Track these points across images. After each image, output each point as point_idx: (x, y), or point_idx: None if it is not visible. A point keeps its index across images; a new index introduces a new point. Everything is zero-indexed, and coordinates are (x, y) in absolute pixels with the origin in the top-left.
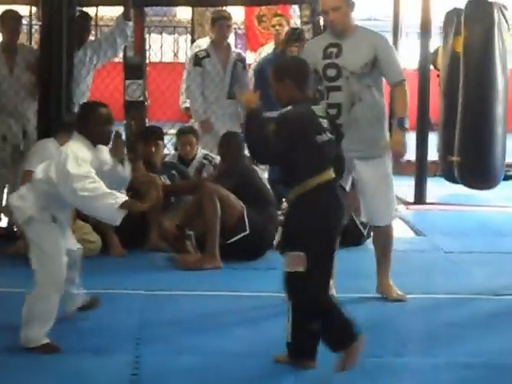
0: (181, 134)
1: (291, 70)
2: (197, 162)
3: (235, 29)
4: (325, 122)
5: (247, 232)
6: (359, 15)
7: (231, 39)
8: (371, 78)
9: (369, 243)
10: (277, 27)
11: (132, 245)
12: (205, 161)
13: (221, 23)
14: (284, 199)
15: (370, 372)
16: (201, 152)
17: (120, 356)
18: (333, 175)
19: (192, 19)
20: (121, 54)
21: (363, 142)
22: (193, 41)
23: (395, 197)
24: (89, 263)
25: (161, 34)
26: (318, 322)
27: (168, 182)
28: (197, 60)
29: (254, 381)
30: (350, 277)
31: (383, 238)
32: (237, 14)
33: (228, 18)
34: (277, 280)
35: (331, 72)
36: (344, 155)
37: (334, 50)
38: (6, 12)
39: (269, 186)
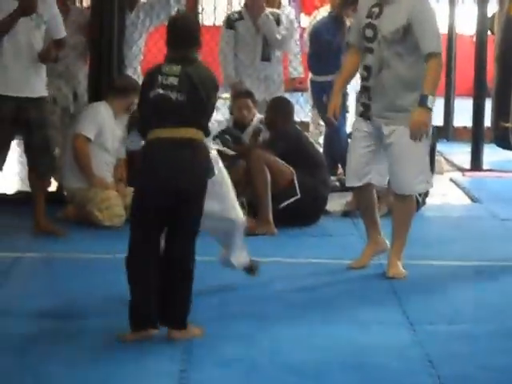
0: (236, 97)
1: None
2: (252, 127)
3: None
4: (169, 79)
5: (298, 196)
6: None
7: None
8: (404, 46)
9: (424, 210)
10: None
11: None
12: (261, 125)
13: None
14: (339, 164)
15: (422, 339)
16: (257, 116)
17: None
18: (170, 134)
19: None
20: None
21: (389, 108)
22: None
23: (426, 170)
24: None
25: None
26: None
27: (221, 147)
28: (229, 22)
29: (307, 345)
30: (407, 244)
31: (401, 209)
32: None
33: None
34: (332, 247)
35: (369, 32)
36: None
37: (376, 10)
38: None
39: (322, 152)
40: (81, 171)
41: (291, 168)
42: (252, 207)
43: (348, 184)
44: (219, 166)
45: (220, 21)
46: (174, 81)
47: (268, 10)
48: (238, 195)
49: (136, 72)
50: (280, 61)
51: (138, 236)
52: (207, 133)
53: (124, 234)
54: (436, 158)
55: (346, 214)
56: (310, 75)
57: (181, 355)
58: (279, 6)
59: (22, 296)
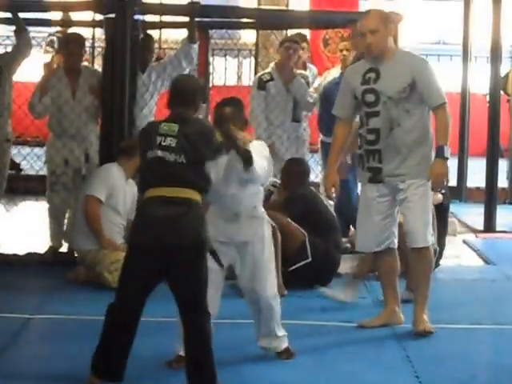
0: None
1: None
2: (265, 190)
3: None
4: (167, 140)
5: (309, 259)
6: (429, 39)
7: None
8: (410, 102)
9: (437, 272)
10: (344, 52)
11: None
12: (272, 188)
13: (287, 45)
14: (351, 225)
15: None
16: (270, 180)
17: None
18: (165, 193)
19: (256, 42)
20: None
21: (402, 165)
22: (256, 64)
23: (432, 223)
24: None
25: (225, 57)
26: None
27: None
28: (261, 83)
29: None
30: None
31: (421, 261)
32: None
33: (294, 40)
34: (343, 309)
35: (369, 97)
36: None
37: (372, 75)
38: (69, 35)
39: (334, 213)
40: (92, 233)
41: (303, 231)
42: None
43: (366, 249)
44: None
45: (230, 81)
46: (172, 142)
47: (298, 72)
48: None
49: None
50: (307, 122)
51: (124, 291)
52: (206, 190)
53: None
54: (449, 219)
55: (357, 276)
56: (321, 136)
57: None
58: (304, 65)
59: (32, 358)
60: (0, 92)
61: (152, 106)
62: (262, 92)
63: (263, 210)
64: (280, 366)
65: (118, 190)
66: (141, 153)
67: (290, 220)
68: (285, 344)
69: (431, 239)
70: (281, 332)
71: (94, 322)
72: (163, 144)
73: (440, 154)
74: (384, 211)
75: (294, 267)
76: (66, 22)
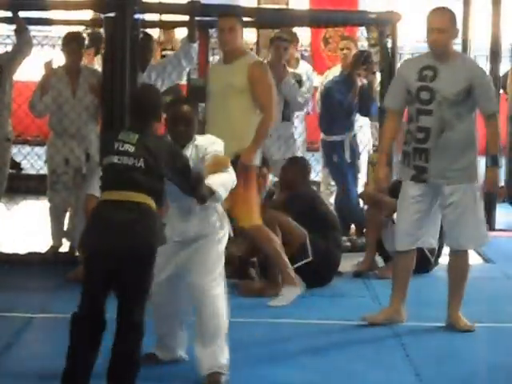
0: None
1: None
2: (266, 191)
3: (301, 51)
4: (125, 146)
5: (310, 258)
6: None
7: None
8: (464, 106)
9: (436, 271)
10: (344, 51)
11: None
12: (274, 188)
13: (277, 44)
14: (352, 224)
15: None
16: (270, 179)
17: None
18: (118, 197)
19: (257, 41)
20: (185, 77)
21: (450, 168)
22: None
23: (483, 222)
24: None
25: None
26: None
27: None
28: None
29: None
30: (419, 305)
31: (460, 264)
32: (303, 35)
33: (286, 39)
34: (343, 308)
35: (424, 95)
36: None
37: (430, 72)
38: (69, 34)
39: (334, 212)
40: None
41: (304, 230)
42: (263, 268)
43: (399, 248)
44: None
45: None
46: (129, 148)
47: (290, 71)
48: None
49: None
50: (301, 120)
51: (85, 298)
52: (160, 202)
53: None
54: None
55: (357, 274)
56: (322, 135)
57: None
58: (297, 61)
59: (34, 357)
60: (0, 91)
61: None
62: None
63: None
64: (281, 364)
65: None
66: (100, 160)
67: (290, 219)
68: (222, 360)
69: (483, 241)
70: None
71: None
72: (120, 149)
73: (496, 162)
74: (422, 210)
75: (294, 266)
76: (65, 21)
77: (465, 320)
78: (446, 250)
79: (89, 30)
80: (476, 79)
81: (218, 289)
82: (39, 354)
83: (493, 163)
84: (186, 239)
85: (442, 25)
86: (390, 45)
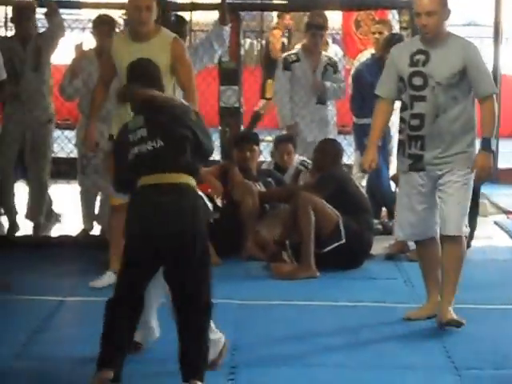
0: (279, 142)
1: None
2: (293, 169)
3: (332, 34)
4: (138, 133)
5: (343, 241)
6: (459, 20)
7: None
8: (458, 89)
9: (469, 253)
10: (376, 35)
11: (227, 253)
12: (301, 167)
13: (313, 32)
14: (383, 207)
15: None
16: (297, 158)
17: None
18: (156, 180)
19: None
20: (217, 60)
21: (444, 154)
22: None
23: (467, 213)
24: None
25: (256, 39)
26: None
27: (263, 189)
28: (286, 64)
29: None
30: None
31: (452, 251)
32: (334, 18)
33: (321, 27)
34: (375, 290)
35: (417, 81)
36: None
37: (422, 57)
38: (99, 17)
39: (366, 194)
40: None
41: (337, 212)
42: (295, 250)
43: (406, 238)
44: None
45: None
46: (142, 133)
47: (325, 56)
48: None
49: None
50: (333, 103)
51: (127, 279)
52: (195, 172)
53: None
54: (480, 200)
55: (389, 257)
56: (353, 118)
57: None
58: (327, 44)
59: (65, 340)
60: (40, 72)
61: None
62: (287, 72)
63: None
64: (312, 345)
65: None
66: (119, 158)
67: (323, 201)
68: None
69: (466, 230)
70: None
71: None
72: (135, 139)
73: (486, 146)
74: (426, 201)
75: (327, 249)
76: (95, 4)
77: (453, 314)
78: (477, 233)
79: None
80: (470, 61)
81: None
82: (70, 337)
83: (484, 147)
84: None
85: (430, 7)
86: None
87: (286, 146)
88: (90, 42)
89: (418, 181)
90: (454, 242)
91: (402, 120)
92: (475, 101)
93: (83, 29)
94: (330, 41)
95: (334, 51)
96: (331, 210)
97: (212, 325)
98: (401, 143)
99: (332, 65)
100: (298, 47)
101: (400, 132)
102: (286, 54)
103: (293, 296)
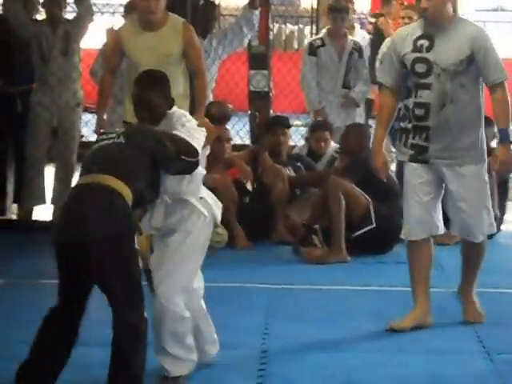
0: (315, 129)
1: None
2: (328, 157)
3: (360, 18)
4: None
5: (374, 225)
6: (486, 5)
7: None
8: (466, 76)
9: (499, 237)
10: (405, 20)
11: (258, 237)
12: (336, 154)
13: (334, 16)
14: None
15: (501, 369)
16: (332, 146)
17: (247, 350)
18: (91, 180)
19: (317, 8)
20: (246, 44)
21: (451, 147)
22: (317, 30)
23: (491, 209)
24: (214, 256)
25: (285, 23)
26: None
27: (292, 173)
28: (312, 49)
29: (381, 378)
30: (483, 271)
31: (472, 253)
32: (362, 2)
33: (342, 9)
34: (405, 274)
35: (420, 67)
36: None
37: (426, 42)
38: (130, 1)
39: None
40: None
41: (367, 196)
42: (325, 235)
43: (412, 237)
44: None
45: (290, 47)
46: (116, 138)
47: (351, 40)
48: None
49: (208, 99)
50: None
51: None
52: (133, 188)
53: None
54: (510, 184)
55: None
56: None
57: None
58: (353, 28)
59: (94, 325)
60: (69, 57)
61: (214, 73)
62: (312, 58)
63: (197, 202)
64: (344, 330)
65: None
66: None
67: (354, 186)
68: (180, 370)
69: (490, 230)
70: (177, 350)
71: None
72: (105, 137)
73: (504, 137)
74: (429, 193)
75: (358, 233)
76: None
77: (478, 310)
78: (507, 217)
79: None
80: (477, 46)
81: (177, 301)
82: (98, 321)
83: (503, 140)
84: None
85: None
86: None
87: (323, 134)
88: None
89: (422, 172)
90: (475, 244)
91: (405, 108)
92: (484, 90)
93: (113, 13)
94: (357, 26)
95: (361, 36)
96: (361, 195)
97: (188, 340)
98: (403, 131)
99: (357, 49)
100: (323, 31)
101: (402, 119)
102: (311, 39)
103: (323, 280)
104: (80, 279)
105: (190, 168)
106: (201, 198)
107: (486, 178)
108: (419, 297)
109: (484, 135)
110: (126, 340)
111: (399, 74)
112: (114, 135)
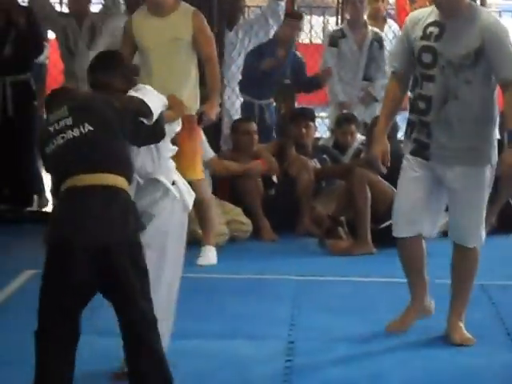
0: (343, 121)
1: None
2: (353, 149)
3: (386, 10)
4: (60, 123)
5: None
6: None
7: None
8: (474, 71)
9: None
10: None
11: (283, 229)
12: (362, 146)
13: (353, 1)
14: None
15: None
16: (359, 138)
17: (274, 342)
18: (82, 182)
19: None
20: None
21: (454, 147)
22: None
23: (483, 221)
24: (240, 248)
25: (310, 15)
26: None
27: (318, 165)
28: (332, 40)
29: (410, 370)
30: (509, 263)
31: (466, 261)
32: None
33: None
34: (431, 266)
35: (426, 57)
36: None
37: (436, 30)
38: None
39: None
40: None
41: (393, 188)
42: (351, 226)
43: (396, 234)
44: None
45: (316, 39)
46: (67, 122)
47: (371, 30)
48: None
49: (234, 92)
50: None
51: (50, 299)
52: (130, 178)
53: (226, 253)
54: None
55: (445, 233)
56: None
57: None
58: (384, 20)
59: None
60: (95, 51)
61: (240, 64)
62: (333, 49)
63: (171, 184)
64: (369, 322)
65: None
66: (41, 155)
67: (379, 177)
68: None
69: (481, 240)
70: None
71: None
72: (58, 128)
73: (511, 140)
74: (421, 189)
75: (383, 225)
76: None
77: (464, 332)
78: None
79: None
80: (490, 38)
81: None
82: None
83: (509, 141)
84: None
85: None
86: (478, 2)
87: (349, 127)
88: None
89: (419, 167)
90: (468, 252)
91: (412, 99)
92: (497, 89)
93: None
94: (385, 16)
95: (391, 28)
96: (387, 186)
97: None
98: (409, 124)
99: (378, 40)
100: (344, 23)
101: (410, 112)
102: (332, 30)
103: (349, 272)
104: (81, 289)
105: (156, 134)
106: (173, 183)
107: (489, 181)
108: (415, 290)
109: (494, 137)
110: (145, 328)
111: (408, 60)
112: (73, 128)
